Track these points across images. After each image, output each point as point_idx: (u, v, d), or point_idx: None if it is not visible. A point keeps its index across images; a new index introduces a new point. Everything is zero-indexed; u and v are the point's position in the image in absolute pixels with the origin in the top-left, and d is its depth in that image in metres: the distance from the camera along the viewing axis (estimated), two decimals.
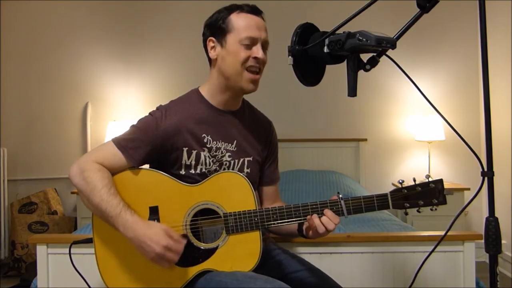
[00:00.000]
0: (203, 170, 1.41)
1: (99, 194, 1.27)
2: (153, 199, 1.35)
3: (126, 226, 1.25)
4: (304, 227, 1.38)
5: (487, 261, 1.08)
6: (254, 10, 1.40)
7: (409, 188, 1.31)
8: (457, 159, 3.75)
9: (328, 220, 1.28)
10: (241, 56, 1.36)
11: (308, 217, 1.31)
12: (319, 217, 1.29)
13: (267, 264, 1.43)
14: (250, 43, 1.36)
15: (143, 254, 1.25)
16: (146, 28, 3.84)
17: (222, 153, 1.44)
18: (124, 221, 1.25)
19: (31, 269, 3.22)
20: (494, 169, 1.06)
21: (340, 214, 1.31)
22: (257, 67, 1.38)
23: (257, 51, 1.37)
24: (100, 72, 3.83)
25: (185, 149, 1.39)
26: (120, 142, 1.37)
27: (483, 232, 1.08)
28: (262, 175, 1.56)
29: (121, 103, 3.83)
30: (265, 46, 1.41)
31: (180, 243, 1.25)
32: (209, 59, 1.47)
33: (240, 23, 1.37)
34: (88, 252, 1.52)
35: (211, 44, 1.42)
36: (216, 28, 1.40)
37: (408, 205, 1.31)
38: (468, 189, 3.48)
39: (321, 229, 1.28)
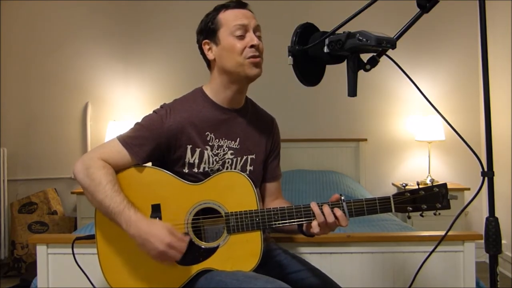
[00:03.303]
0: (206, 169, 1.41)
1: (103, 190, 1.28)
2: (155, 197, 1.35)
3: (129, 223, 1.25)
4: (304, 226, 1.38)
5: (487, 261, 1.08)
6: (240, 4, 1.43)
7: (412, 191, 1.31)
8: (457, 159, 3.75)
9: (342, 216, 1.27)
10: (237, 48, 1.37)
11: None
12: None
13: (268, 264, 1.43)
14: (243, 33, 1.38)
15: (145, 251, 1.25)
16: (146, 28, 3.84)
17: (224, 151, 1.44)
18: (127, 218, 1.25)
19: (31, 269, 3.22)
20: (494, 169, 1.05)
21: None
22: (256, 55, 1.38)
23: (252, 38, 1.38)
24: (100, 72, 3.83)
25: (189, 147, 1.40)
26: (125, 139, 1.37)
27: (483, 232, 1.08)
28: (264, 171, 1.56)
29: (121, 103, 3.83)
30: (258, 33, 1.41)
31: (183, 241, 1.25)
32: (207, 64, 1.48)
33: (228, 17, 1.40)
34: (89, 252, 1.53)
35: (207, 46, 1.44)
36: (207, 31, 1.43)
37: (411, 208, 1.30)
38: (468, 189, 3.48)
39: (330, 219, 1.26)
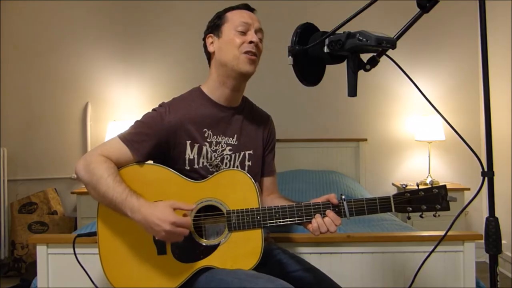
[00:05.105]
0: (205, 163, 1.43)
1: (105, 182, 1.30)
2: (157, 194, 1.36)
3: (133, 210, 1.27)
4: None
5: (487, 261, 1.08)
6: (247, 7, 1.50)
7: (412, 192, 1.32)
8: (457, 159, 3.75)
9: (330, 221, 1.30)
10: (236, 42, 1.42)
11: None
12: (322, 217, 1.31)
13: (268, 263, 1.44)
14: (245, 30, 1.43)
15: (153, 234, 1.27)
16: (146, 29, 3.84)
17: (222, 147, 1.46)
18: (131, 205, 1.27)
19: (31, 269, 3.22)
20: (494, 169, 1.05)
21: (342, 215, 1.32)
22: (253, 52, 1.42)
23: (252, 35, 1.43)
24: (100, 72, 3.83)
25: (188, 142, 1.42)
26: (126, 137, 1.40)
27: (483, 232, 1.08)
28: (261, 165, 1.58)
29: (121, 103, 3.82)
30: (259, 34, 1.47)
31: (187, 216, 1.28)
32: (208, 59, 1.52)
33: (234, 15, 1.46)
34: (89, 252, 1.53)
35: (210, 40, 1.49)
36: (213, 26, 1.49)
37: (410, 209, 1.32)
38: (468, 189, 3.48)
39: (323, 229, 1.30)
